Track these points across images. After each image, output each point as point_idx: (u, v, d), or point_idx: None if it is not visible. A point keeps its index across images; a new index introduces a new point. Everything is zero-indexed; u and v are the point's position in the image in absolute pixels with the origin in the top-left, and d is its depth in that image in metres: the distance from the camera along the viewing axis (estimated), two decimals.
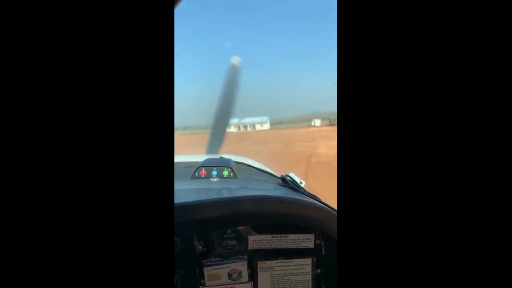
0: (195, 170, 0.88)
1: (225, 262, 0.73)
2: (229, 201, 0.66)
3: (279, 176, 0.95)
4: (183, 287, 0.74)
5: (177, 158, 1.23)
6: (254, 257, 0.73)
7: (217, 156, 1.01)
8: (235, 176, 0.88)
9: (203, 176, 0.87)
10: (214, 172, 0.86)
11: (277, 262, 0.74)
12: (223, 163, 0.90)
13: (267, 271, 0.74)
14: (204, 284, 0.73)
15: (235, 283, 0.74)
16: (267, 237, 0.72)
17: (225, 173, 0.86)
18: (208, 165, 0.88)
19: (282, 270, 0.75)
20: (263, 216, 0.67)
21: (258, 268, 0.74)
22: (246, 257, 0.73)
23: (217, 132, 1.79)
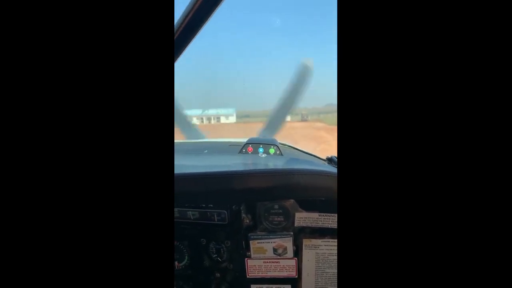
0: (242, 146, 0.89)
1: (271, 236, 0.74)
2: (281, 173, 0.66)
3: (323, 158, 0.93)
4: (230, 258, 0.76)
5: (219, 140, 1.26)
6: (300, 234, 0.73)
7: (259, 137, 1.02)
8: (281, 154, 0.88)
9: (250, 152, 0.88)
10: (261, 149, 0.87)
11: (323, 241, 0.73)
12: (269, 142, 0.90)
13: (312, 249, 0.74)
14: (249, 257, 0.75)
15: (280, 258, 0.75)
16: (314, 215, 0.71)
17: (271, 150, 0.86)
18: (254, 142, 0.89)
19: (328, 249, 0.74)
20: (315, 190, 0.66)
21: (304, 246, 0.74)
22: (292, 233, 0.73)
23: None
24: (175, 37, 0.56)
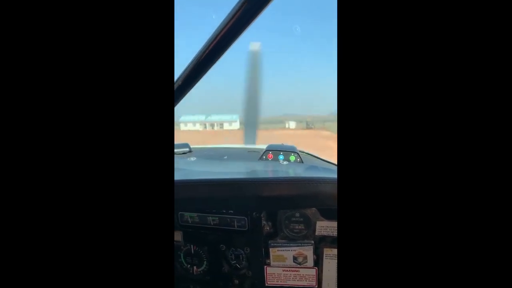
0: (262, 153, 0.89)
1: (291, 245, 0.73)
2: (304, 181, 0.65)
3: None
4: (249, 265, 0.76)
5: (236, 146, 1.27)
6: (321, 243, 0.72)
7: (279, 144, 1.02)
8: (302, 161, 0.88)
9: (270, 159, 0.88)
10: (281, 157, 0.87)
11: None
12: (289, 149, 0.90)
13: (333, 259, 0.73)
14: (269, 264, 0.75)
15: (300, 267, 0.74)
16: (336, 224, 0.71)
17: (292, 158, 0.86)
18: (274, 149, 0.89)
19: None
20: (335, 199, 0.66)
21: (324, 255, 0.73)
22: (312, 242, 0.72)
23: (250, 126, 1.78)
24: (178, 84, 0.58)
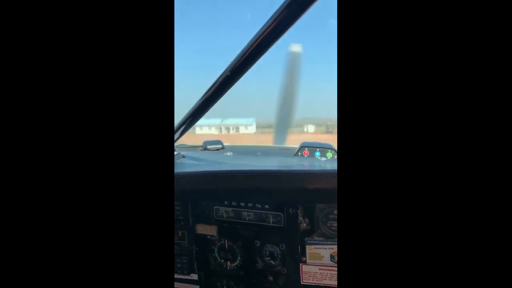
0: (297, 149, 0.88)
1: (328, 242, 0.71)
2: None
3: None
4: (284, 262, 0.75)
5: (265, 145, 1.27)
6: None
7: (313, 141, 1.00)
8: None
9: (306, 156, 0.87)
10: (317, 153, 0.85)
11: None
12: (325, 146, 0.89)
13: None
14: (305, 262, 0.73)
15: (337, 267, 0.72)
16: None
17: (329, 155, 0.84)
18: (310, 145, 0.87)
19: None
20: None
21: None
22: None
23: (281, 128, 1.76)
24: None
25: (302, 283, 0.74)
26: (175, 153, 0.95)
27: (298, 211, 0.71)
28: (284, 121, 1.76)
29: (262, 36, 0.57)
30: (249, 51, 0.60)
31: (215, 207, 0.78)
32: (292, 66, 1.66)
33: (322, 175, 0.65)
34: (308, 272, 0.74)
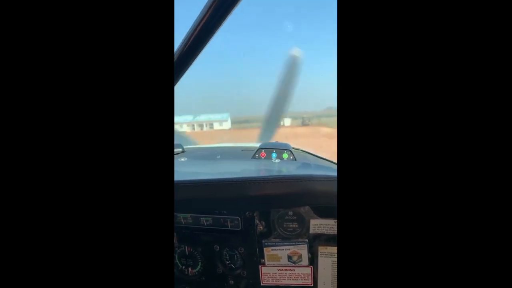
0: (255, 152, 0.88)
1: (285, 243, 0.72)
2: (297, 179, 0.64)
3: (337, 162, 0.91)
4: (244, 265, 0.75)
5: (230, 145, 1.26)
6: (315, 242, 0.72)
7: (272, 142, 1.01)
8: (295, 159, 0.86)
9: (263, 158, 0.87)
10: (274, 155, 0.86)
11: None
12: (282, 147, 0.89)
13: (328, 257, 0.72)
14: (264, 264, 0.74)
15: (295, 266, 0.73)
16: (330, 222, 0.70)
17: (285, 156, 0.85)
18: (267, 147, 0.88)
19: None
20: (330, 196, 0.64)
21: (319, 253, 0.72)
22: (307, 240, 0.71)
23: (269, 126, 1.78)
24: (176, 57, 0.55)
25: (262, 284, 0.75)
26: None
27: (255, 214, 0.72)
28: (273, 120, 1.78)
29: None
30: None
31: None
32: (291, 69, 1.68)
33: (277, 181, 0.65)
34: (267, 273, 0.75)
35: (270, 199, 0.66)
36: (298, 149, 1.03)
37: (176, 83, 0.60)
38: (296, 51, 1.67)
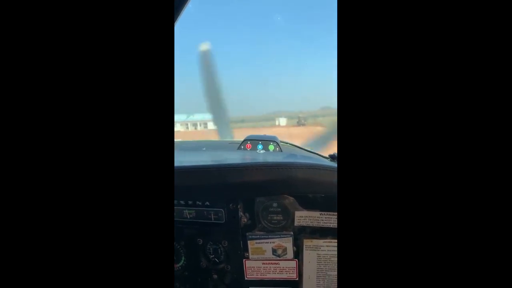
0: (240, 143, 0.87)
1: (269, 236, 0.70)
2: (279, 166, 0.62)
3: (326, 156, 0.90)
4: (228, 259, 0.73)
5: (214, 140, 1.25)
6: (300, 234, 0.70)
7: (260, 134, 0.99)
8: (281, 150, 0.85)
9: (248, 149, 0.85)
10: (260, 146, 0.84)
11: (325, 242, 0.70)
12: (269, 138, 0.88)
13: (314, 250, 0.71)
14: (248, 258, 0.72)
15: (280, 260, 0.72)
16: (315, 214, 0.68)
17: (271, 147, 0.84)
18: (253, 139, 0.86)
19: (330, 250, 0.70)
20: (314, 185, 0.63)
21: (304, 246, 0.71)
22: (291, 233, 0.70)
23: (221, 123, 1.79)
24: None
25: (246, 278, 0.73)
26: None
27: (238, 206, 0.70)
28: (221, 117, 1.79)
29: None
30: None
31: None
32: (206, 64, 1.69)
33: (256, 168, 0.63)
34: (252, 267, 0.73)
35: (252, 187, 0.64)
36: (286, 143, 1.01)
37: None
38: (203, 46, 1.68)
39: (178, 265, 0.77)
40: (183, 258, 0.76)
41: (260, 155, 0.81)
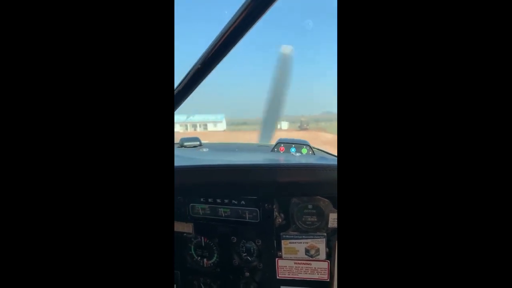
0: (274, 146, 0.89)
1: (303, 237, 0.72)
2: (317, 167, 0.65)
3: None
4: (260, 258, 0.75)
5: (241, 142, 1.27)
6: (334, 236, 0.72)
7: (290, 138, 1.02)
8: (313, 153, 0.87)
9: (281, 152, 0.87)
10: (293, 149, 0.86)
11: None
12: (301, 142, 0.90)
13: None
14: (280, 257, 0.74)
15: (312, 260, 0.73)
16: None
17: (304, 150, 0.86)
18: (286, 141, 0.88)
19: None
20: None
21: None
22: (325, 234, 0.72)
23: (268, 125, 1.79)
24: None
25: (278, 277, 0.75)
26: None
27: (274, 207, 0.72)
28: (271, 120, 1.79)
29: (231, 28, 0.57)
30: (221, 42, 0.59)
31: (191, 204, 0.77)
32: (283, 67, 1.69)
33: (297, 168, 0.66)
34: (284, 266, 0.75)
35: (290, 186, 0.67)
36: (315, 148, 1.04)
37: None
38: (286, 48, 1.68)
39: (210, 261, 0.80)
40: (215, 255, 0.79)
41: (295, 157, 0.83)
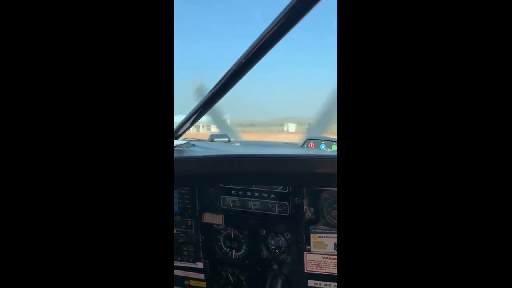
0: (303, 142, 0.90)
1: (333, 231, 0.73)
2: None
3: None
4: (289, 251, 0.77)
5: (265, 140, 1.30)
6: None
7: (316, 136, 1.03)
8: None
9: (311, 148, 0.89)
10: (323, 146, 0.87)
11: None
12: (330, 139, 0.91)
13: None
14: (309, 251, 0.75)
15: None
16: None
17: (334, 147, 0.87)
18: (316, 138, 0.90)
19: None
20: None
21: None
22: None
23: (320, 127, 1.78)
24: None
25: (306, 271, 0.76)
26: (184, 141, 0.97)
27: (304, 201, 0.73)
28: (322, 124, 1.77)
29: (269, 33, 0.60)
30: (257, 47, 0.63)
31: (222, 196, 0.80)
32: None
33: (328, 160, 0.67)
34: (312, 260, 0.76)
35: (320, 177, 0.68)
36: None
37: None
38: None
39: (238, 253, 0.82)
40: (244, 247, 0.81)
41: (326, 152, 0.84)
